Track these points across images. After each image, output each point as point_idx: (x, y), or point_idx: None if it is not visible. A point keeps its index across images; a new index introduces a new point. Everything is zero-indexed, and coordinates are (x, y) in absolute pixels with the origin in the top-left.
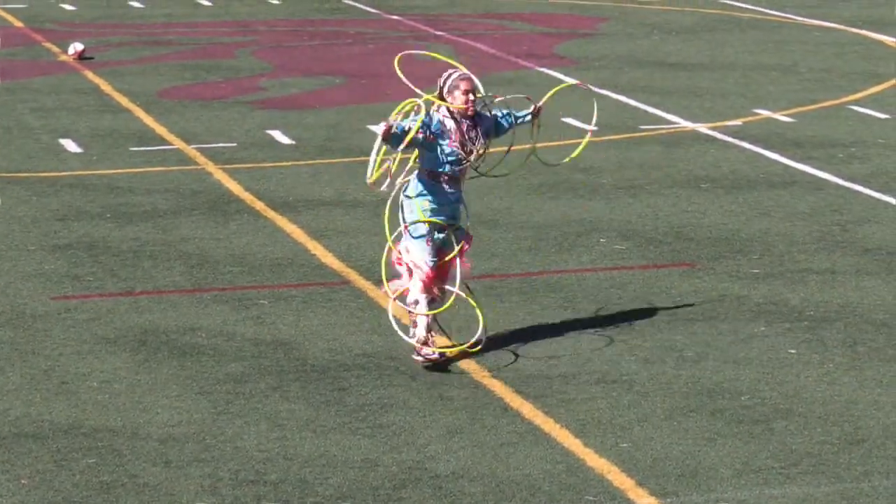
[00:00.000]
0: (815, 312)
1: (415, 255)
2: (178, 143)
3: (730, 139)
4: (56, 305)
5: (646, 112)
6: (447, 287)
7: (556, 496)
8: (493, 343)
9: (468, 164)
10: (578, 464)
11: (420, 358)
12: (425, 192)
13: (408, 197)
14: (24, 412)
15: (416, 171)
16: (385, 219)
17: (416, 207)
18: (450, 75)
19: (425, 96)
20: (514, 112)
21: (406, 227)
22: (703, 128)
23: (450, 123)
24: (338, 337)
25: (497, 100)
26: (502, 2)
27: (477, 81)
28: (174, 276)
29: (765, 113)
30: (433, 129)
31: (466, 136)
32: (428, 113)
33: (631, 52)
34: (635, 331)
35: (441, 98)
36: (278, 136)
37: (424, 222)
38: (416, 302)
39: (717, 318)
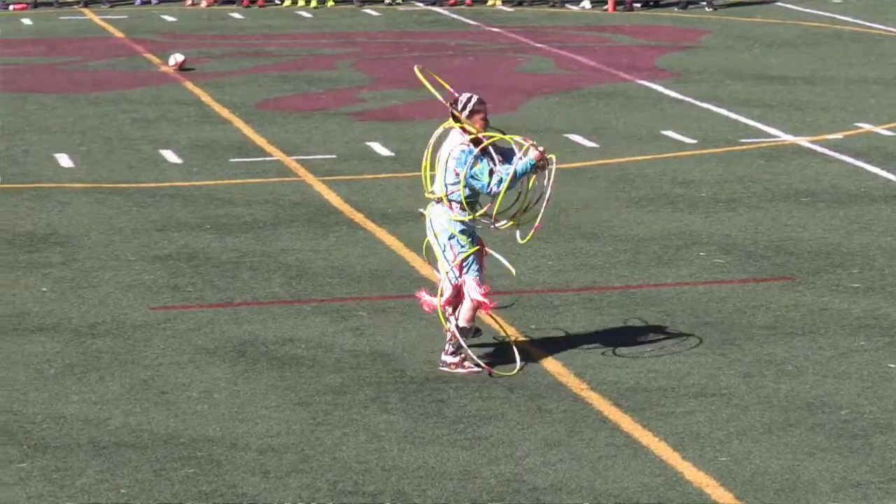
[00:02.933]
0: None
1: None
2: (278, 155)
3: (831, 153)
4: (156, 316)
5: (746, 125)
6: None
7: None
8: (592, 356)
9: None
10: (677, 477)
11: (462, 370)
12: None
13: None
14: (124, 422)
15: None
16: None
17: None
18: (469, 99)
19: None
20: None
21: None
22: (804, 141)
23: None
24: (436, 349)
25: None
26: (603, 14)
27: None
28: (273, 288)
29: (866, 126)
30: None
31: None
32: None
33: (732, 65)
34: (734, 344)
35: (456, 120)
36: (378, 147)
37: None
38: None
39: (816, 332)
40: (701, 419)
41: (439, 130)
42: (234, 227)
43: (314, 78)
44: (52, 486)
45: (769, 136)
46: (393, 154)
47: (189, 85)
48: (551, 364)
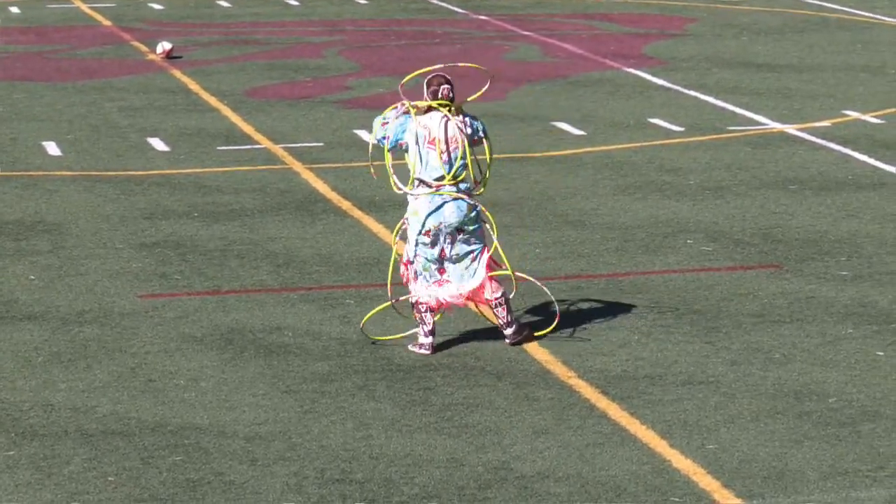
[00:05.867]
0: None
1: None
2: (266, 143)
3: (818, 140)
4: (143, 304)
5: (734, 113)
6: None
7: (641, 497)
8: (579, 344)
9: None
10: (664, 465)
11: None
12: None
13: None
14: (112, 410)
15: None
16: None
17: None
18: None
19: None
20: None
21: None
22: (791, 129)
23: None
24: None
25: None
26: (590, 2)
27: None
28: (261, 276)
29: (854, 114)
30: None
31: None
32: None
33: (719, 52)
34: (722, 332)
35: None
36: (365, 135)
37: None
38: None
39: (804, 319)
40: (688, 407)
41: (441, 119)
42: (222, 215)
43: (301, 66)
44: (40, 474)
45: (756, 123)
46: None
47: (176, 73)
48: (538, 352)
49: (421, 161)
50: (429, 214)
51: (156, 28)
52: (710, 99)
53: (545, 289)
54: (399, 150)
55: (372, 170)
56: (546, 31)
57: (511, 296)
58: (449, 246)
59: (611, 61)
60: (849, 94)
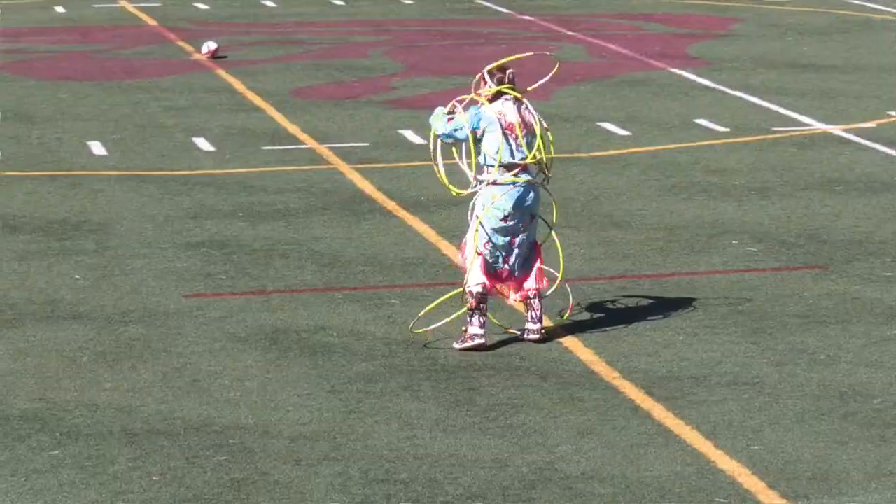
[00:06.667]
0: None
1: None
2: (311, 143)
3: (864, 141)
4: (188, 303)
5: (779, 114)
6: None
7: (686, 498)
8: (624, 344)
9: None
10: (709, 466)
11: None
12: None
13: None
14: (157, 409)
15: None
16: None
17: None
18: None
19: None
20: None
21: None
22: (836, 130)
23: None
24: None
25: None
26: (636, 3)
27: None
28: (306, 276)
29: None
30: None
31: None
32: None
33: (764, 53)
34: (767, 333)
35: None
36: (410, 135)
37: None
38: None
39: (849, 320)
40: (733, 408)
41: (514, 104)
42: (267, 215)
43: (347, 66)
44: (84, 474)
45: (802, 124)
46: (425, 142)
47: (222, 73)
48: (583, 352)
49: (500, 147)
50: (508, 199)
51: (201, 28)
52: (756, 100)
53: (557, 275)
54: (474, 138)
55: (438, 164)
56: (591, 31)
57: (548, 293)
58: (521, 233)
59: (656, 62)
60: (894, 95)
